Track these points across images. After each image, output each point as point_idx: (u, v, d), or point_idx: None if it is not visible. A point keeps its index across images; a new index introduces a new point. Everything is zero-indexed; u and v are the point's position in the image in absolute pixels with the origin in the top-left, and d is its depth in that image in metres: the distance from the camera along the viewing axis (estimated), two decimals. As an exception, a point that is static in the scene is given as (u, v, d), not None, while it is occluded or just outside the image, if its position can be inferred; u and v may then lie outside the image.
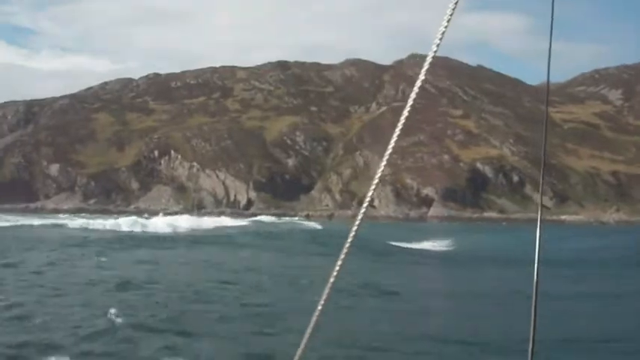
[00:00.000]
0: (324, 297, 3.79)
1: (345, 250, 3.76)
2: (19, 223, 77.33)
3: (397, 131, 3.59)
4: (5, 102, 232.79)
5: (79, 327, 17.79)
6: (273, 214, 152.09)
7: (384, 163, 3.69)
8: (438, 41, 3.31)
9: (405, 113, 3.56)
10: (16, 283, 25.16)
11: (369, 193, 3.67)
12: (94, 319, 18.85)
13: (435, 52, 3.34)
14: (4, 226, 71.17)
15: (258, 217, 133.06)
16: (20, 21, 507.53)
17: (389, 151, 3.67)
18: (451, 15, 3.40)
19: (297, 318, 18.52)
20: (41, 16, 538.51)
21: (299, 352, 4.02)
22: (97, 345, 16.39)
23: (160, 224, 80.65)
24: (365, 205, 3.68)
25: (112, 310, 19.42)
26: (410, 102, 3.48)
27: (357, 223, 3.74)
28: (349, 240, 3.75)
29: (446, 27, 3.36)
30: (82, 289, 24.76)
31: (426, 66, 3.40)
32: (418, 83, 3.45)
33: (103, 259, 36.63)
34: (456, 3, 3.40)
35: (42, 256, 36.95)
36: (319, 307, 3.81)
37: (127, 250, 44.35)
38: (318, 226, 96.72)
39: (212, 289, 25.80)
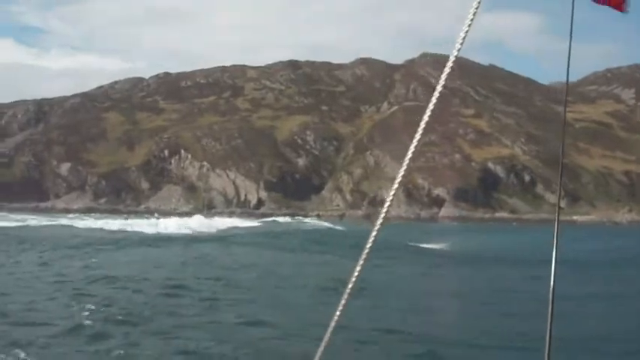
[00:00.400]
0: (344, 299, 3.79)
1: (365, 253, 3.73)
2: (26, 223, 78.07)
3: (418, 136, 3.57)
4: (15, 101, 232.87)
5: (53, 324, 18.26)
6: (284, 214, 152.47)
7: (403, 168, 3.73)
8: (460, 44, 3.26)
9: (426, 118, 3.53)
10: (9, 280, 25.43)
11: (389, 199, 3.73)
12: (68, 317, 19.31)
13: (457, 54, 3.28)
14: (14, 225, 71.79)
15: (272, 218, 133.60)
16: (29, 20, 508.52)
17: (409, 156, 3.72)
18: (474, 15, 3.37)
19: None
20: (50, 15, 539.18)
21: (318, 354, 4.01)
22: (64, 340, 16.76)
23: (172, 225, 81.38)
24: (385, 209, 3.72)
25: (90, 306, 19.95)
26: (430, 107, 3.47)
27: (376, 227, 3.74)
28: (369, 243, 3.73)
29: (469, 27, 3.35)
30: (65, 286, 25.27)
31: (447, 69, 3.37)
32: (439, 87, 3.41)
33: (94, 260, 37.13)
34: (479, 3, 3.37)
35: (39, 256, 37.46)
36: (339, 309, 3.79)
37: (126, 250, 44.84)
38: (339, 227, 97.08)
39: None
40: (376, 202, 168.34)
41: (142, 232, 67.58)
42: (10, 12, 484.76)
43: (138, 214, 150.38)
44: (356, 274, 3.78)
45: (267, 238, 62.47)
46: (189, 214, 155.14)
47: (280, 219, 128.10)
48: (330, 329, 3.89)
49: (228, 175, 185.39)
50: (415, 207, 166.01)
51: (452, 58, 3.28)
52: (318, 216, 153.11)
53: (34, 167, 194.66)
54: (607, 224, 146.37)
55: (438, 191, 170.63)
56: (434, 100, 3.46)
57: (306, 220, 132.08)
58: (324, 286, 28.11)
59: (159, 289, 25.73)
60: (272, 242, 57.20)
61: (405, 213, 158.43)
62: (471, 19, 3.41)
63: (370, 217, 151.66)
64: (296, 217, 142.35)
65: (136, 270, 32.11)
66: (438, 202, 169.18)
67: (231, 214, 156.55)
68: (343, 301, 3.82)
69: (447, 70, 3.35)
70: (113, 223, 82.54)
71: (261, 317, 20.39)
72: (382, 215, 3.70)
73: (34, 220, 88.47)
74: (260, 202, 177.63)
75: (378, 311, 22.50)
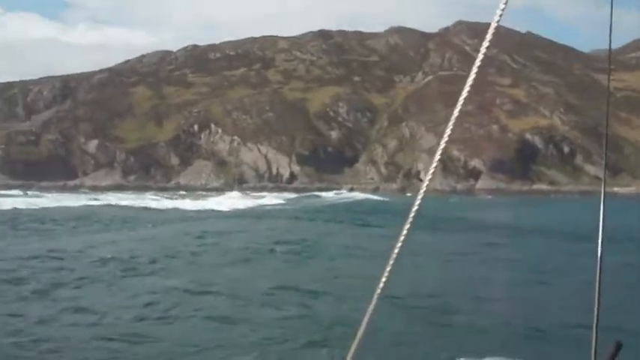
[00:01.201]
0: (386, 271, 3.81)
1: (406, 227, 3.69)
2: (108, 202, 79.79)
3: (457, 109, 3.46)
4: (40, 78, 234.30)
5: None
6: (317, 188, 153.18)
7: (444, 140, 3.57)
8: (501, 11, 3.17)
9: (466, 90, 3.44)
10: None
11: (430, 172, 3.66)
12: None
13: (498, 21, 3.23)
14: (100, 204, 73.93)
15: (313, 193, 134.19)
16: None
17: (447, 132, 3.53)
18: None
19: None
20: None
21: (363, 324, 4.00)
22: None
23: (223, 202, 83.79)
24: (426, 182, 3.65)
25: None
26: (471, 79, 3.39)
27: (417, 203, 3.65)
28: (410, 217, 3.67)
29: None
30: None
31: (488, 37, 3.32)
32: (479, 57, 3.37)
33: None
34: None
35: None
36: (380, 286, 3.81)
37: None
38: (387, 199, 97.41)
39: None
40: (411, 175, 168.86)
41: (211, 210, 70.80)
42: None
43: (168, 190, 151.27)
44: (397, 248, 3.73)
45: (324, 213, 63.59)
46: (219, 189, 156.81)
47: (323, 193, 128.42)
48: (374, 300, 3.87)
49: (259, 149, 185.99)
50: (451, 179, 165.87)
51: (493, 25, 3.24)
52: (352, 189, 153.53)
53: (60, 145, 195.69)
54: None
55: (474, 163, 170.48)
56: (474, 71, 3.39)
57: (352, 193, 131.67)
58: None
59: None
60: (326, 216, 58.27)
61: (440, 186, 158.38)
62: None
63: (405, 190, 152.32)
64: (340, 191, 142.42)
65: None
66: (475, 174, 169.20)
67: (262, 189, 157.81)
68: (386, 273, 3.78)
69: (487, 38, 3.31)
70: (171, 203, 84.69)
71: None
72: (423, 188, 3.64)
73: (110, 199, 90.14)
74: (292, 176, 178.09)
75: (428, 282, 23.52)
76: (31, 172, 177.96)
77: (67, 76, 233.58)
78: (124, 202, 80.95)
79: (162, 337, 15.07)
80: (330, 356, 13.71)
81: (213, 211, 71.10)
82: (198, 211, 69.37)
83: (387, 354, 13.50)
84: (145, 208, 71.94)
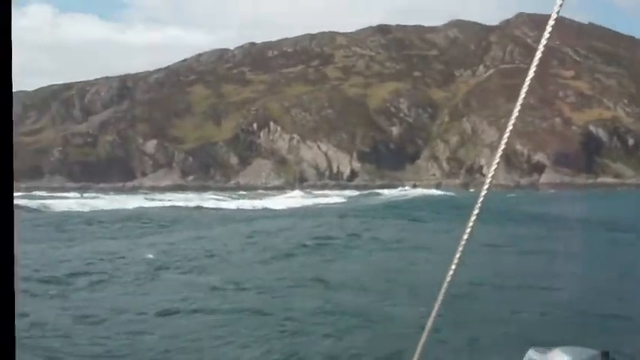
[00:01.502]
0: (451, 271, 3.80)
1: (470, 224, 3.67)
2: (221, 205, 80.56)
3: (517, 106, 3.44)
4: (97, 78, 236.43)
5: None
6: (379, 186, 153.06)
7: (506, 135, 3.59)
8: (560, 2, 3.18)
9: (525, 87, 3.41)
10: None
11: (491, 169, 3.67)
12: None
13: (558, 12, 3.20)
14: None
15: (378, 190, 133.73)
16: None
17: (509, 127, 3.54)
18: None
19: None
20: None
21: (434, 309, 4.01)
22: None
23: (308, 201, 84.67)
24: (489, 179, 3.66)
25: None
26: (531, 72, 3.33)
27: (480, 198, 3.63)
28: (475, 211, 3.66)
29: None
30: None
31: (548, 28, 3.26)
32: (540, 49, 3.34)
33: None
34: None
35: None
36: (448, 279, 3.81)
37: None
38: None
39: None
40: (474, 170, 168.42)
41: (271, 209, 71.59)
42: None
43: (227, 190, 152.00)
44: (463, 241, 3.70)
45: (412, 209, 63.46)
46: (280, 188, 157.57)
47: (385, 191, 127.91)
48: (440, 295, 3.90)
49: (319, 147, 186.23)
50: (514, 174, 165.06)
51: (553, 16, 3.20)
52: (415, 186, 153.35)
53: (118, 145, 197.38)
54: None
55: (538, 157, 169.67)
56: (535, 63, 3.35)
57: (417, 190, 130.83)
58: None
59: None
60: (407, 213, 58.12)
61: (504, 180, 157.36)
62: None
63: (468, 186, 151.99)
64: (404, 188, 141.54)
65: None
66: (538, 169, 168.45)
67: (323, 187, 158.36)
68: (454, 266, 3.77)
69: (548, 29, 3.26)
70: (226, 204, 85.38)
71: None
72: (487, 184, 3.63)
73: (166, 199, 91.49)
74: (353, 174, 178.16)
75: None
76: (89, 173, 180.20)
77: (124, 76, 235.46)
78: (179, 203, 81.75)
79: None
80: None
81: (273, 210, 71.48)
82: (256, 210, 69.88)
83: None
84: (198, 208, 72.49)
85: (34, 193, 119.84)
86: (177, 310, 17.22)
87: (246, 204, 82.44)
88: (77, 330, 15.48)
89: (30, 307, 16.74)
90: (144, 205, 76.92)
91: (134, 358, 13.67)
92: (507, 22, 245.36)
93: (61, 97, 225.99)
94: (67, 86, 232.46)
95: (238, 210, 71.30)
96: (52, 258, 27.22)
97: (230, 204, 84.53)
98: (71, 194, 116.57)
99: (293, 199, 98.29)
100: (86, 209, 68.46)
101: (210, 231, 42.12)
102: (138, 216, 55.35)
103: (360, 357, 13.47)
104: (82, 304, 18.16)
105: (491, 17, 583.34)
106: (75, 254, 28.54)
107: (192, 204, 79.95)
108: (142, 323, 16.19)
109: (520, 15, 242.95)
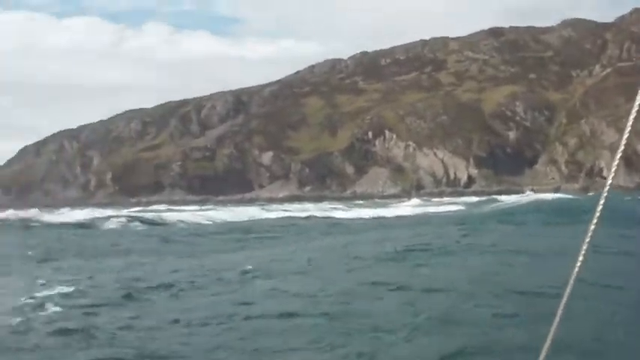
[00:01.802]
0: (577, 266, 3.78)
1: (592, 227, 3.64)
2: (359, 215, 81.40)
3: (636, 105, 3.48)
4: (212, 93, 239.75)
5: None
6: (496, 192, 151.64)
7: (625, 136, 3.59)
8: None
9: None
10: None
11: (612, 171, 3.66)
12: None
13: None
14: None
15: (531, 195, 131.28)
16: (221, 10, 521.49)
17: (628, 127, 3.53)
18: None
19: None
20: (240, 3, 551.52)
21: (547, 342, 4.10)
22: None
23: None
24: (609, 181, 3.66)
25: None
26: None
27: (601, 201, 3.60)
28: (595, 217, 3.63)
29: None
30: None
31: None
32: None
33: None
34: None
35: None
36: (570, 282, 3.81)
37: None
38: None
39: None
40: (593, 173, 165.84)
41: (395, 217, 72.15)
42: (201, 3, 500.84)
43: (344, 199, 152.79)
44: (585, 246, 3.68)
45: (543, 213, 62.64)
46: (397, 196, 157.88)
47: (504, 197, 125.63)
48: (564, 297, 3.91)
49: (435, 154, 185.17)
50: (635, 175, 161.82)
51: None
52: (533, 191, 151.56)
53: (235, 158, 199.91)
54: None
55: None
56: None
57: (538, 195, 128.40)
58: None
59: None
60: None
61: (623, 182, 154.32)
62: None
63: (587, 190, 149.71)
64: (526, 194, 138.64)
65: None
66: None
67: (440, 194, 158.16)
68: (577, 269, 3.78)
69: None
70: (343, 213, 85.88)
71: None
72: (607, 186, 3.63)
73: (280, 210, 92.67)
74: (470, 180, 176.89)
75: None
76: (208, 186, 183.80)
77: (239, 90, 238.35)
78: (295, 213, 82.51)
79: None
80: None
81: (397, 217, 71.74)
82: (374, 219, 70.15)
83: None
84: (309, 218, 73.26)
85: (153, 207, 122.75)
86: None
87: (363, 213, 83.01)
88: None
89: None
90: (260, 217, 78.22)
91: None
92: (622, 18, 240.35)
93: (178, 113, 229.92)
94: (184, 102, 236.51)
95: (352, 219, 71.72)
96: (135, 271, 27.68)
97: (345, 213, 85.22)
98: (190, 207, 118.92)
99: (409, 208, 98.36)
100: (201, 220, 69.96)
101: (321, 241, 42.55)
102: (249, 227, 56.28)
103: None
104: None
105: (605, 14, 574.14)
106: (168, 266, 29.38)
107: (306, 214, 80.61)
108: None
109: (636, 11, 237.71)
